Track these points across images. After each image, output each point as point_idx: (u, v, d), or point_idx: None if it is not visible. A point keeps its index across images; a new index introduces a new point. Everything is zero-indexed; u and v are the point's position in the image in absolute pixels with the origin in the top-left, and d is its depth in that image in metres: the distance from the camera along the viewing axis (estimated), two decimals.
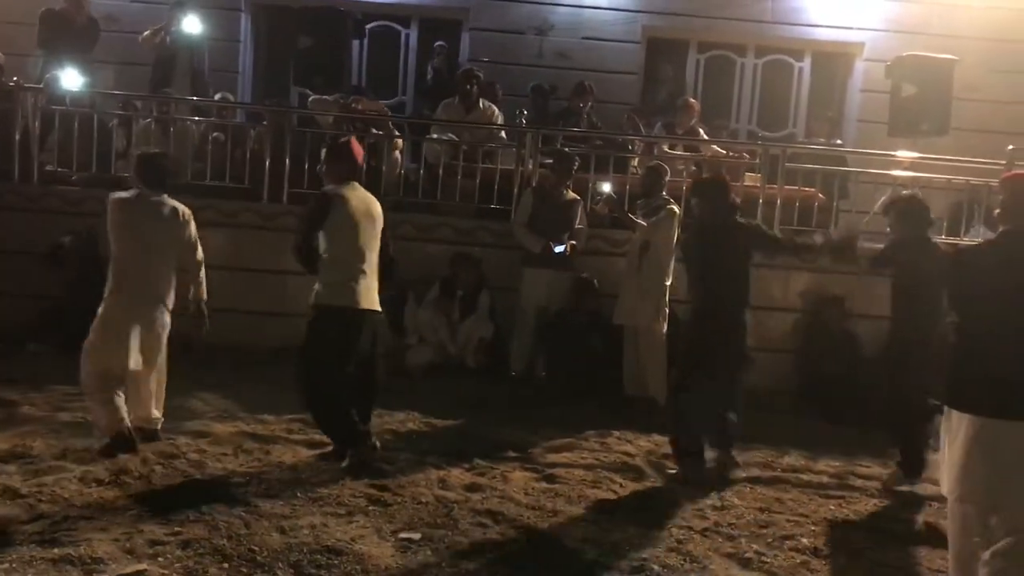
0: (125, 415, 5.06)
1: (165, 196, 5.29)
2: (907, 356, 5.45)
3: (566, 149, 7.87)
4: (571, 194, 7.54)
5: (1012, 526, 3.58)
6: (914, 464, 5.48)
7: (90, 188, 7.73)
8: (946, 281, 3.84)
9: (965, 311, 3.78)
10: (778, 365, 7.65)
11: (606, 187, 7.63)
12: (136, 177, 5.37)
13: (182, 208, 5.34)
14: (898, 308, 5.60)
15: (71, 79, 8.21)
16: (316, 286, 5.08)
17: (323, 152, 5.52)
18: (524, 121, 8.19)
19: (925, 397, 5.36)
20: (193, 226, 5.38)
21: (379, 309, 5.17)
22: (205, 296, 5.49)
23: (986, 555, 3.62)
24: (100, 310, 5.11)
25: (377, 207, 5.24)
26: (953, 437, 3.69)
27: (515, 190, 7.82)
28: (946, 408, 3.77)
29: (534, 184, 7.76)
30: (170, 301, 5.26)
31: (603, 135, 8.94)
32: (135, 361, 5.08)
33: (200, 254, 5.46)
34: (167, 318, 5.25)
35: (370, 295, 5.09)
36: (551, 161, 7.75)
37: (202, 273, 5.49)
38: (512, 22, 10.82)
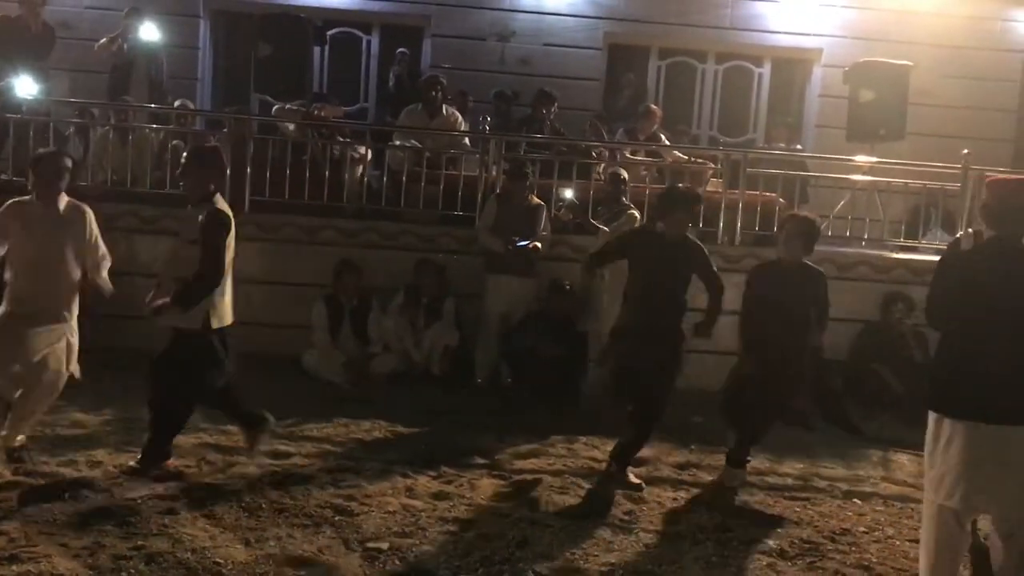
0: None
1: (62, 196, 5.01)
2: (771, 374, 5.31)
3: (526, 156, 7.88)
4: (535, 200, 7.55)
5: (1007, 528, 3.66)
6: (738, 456, 5.49)
7: None
8: (931, 286, 3.82)
9: (952, 318, 3.75)
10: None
11: (568, 193, 7.65)
12: (30, 178, 5.08)
13: (83, 207, 5.09)
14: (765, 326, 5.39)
15: (26, 86, 8.07)
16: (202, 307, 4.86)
17: (186, 155, 5.25)
18: (487, 128, 8.18)
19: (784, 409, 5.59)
20: (95, 224, 5.12)
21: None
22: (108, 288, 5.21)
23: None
24: None
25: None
26: (945, 443, 3.68)
27: (479, 197, 7.82)
28: (933, 414, 3.76)
29: (498, 190, 7.77)
30: (71, 313, 5.01)
31: (566, 141, 8.97)
32: (13, 391, 4.88)
33: (103, 249, 5.18)
34: (68, 334, 4.99)
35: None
36: (508, 169, 7.78)
37: (105, 270, 5.20)
38: (474, 29, 10.84)
